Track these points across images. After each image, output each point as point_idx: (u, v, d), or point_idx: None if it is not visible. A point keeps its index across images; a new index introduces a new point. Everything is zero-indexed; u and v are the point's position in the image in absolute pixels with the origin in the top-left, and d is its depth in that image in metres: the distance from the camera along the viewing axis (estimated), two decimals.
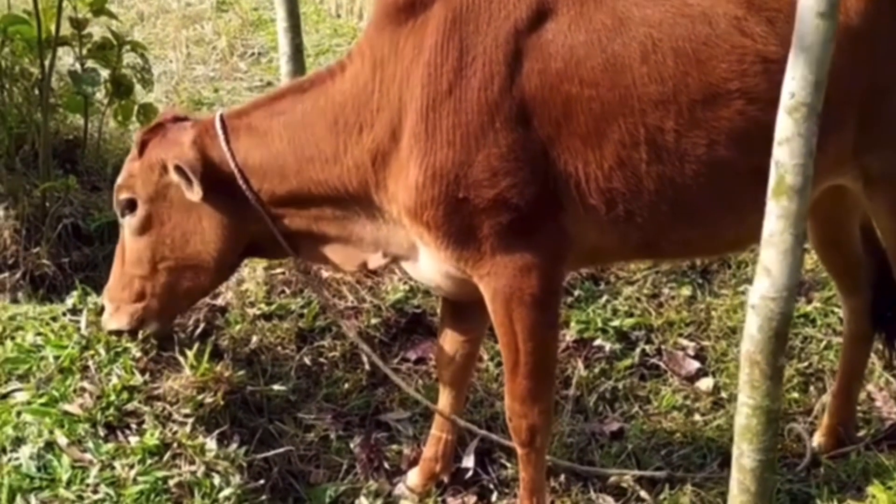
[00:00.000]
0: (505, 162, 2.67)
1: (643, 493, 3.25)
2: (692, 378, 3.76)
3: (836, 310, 3.93)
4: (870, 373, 3.66)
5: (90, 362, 2.97)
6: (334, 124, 2.81)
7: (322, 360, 3.62)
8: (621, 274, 4.05)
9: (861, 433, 3.46)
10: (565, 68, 2.68)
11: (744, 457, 1.89)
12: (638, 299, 3.96)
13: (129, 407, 2.89)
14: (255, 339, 3.57)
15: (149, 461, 2.74)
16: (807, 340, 3.85)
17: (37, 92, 4.40)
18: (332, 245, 2.97)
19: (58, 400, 2.85)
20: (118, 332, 3.06)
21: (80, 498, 2.59)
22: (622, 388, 3.67)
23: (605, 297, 3.95)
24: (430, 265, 2.89)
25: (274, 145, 2.87)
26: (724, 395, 3.66)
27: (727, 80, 2.68)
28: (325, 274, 3.78)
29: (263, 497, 2.90)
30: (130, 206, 2.95)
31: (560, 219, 2.75)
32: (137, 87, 4.57)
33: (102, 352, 3.02)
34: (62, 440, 2.72)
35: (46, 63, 4.19)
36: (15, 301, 3.78)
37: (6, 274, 4.10)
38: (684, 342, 3.86)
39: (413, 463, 3.35)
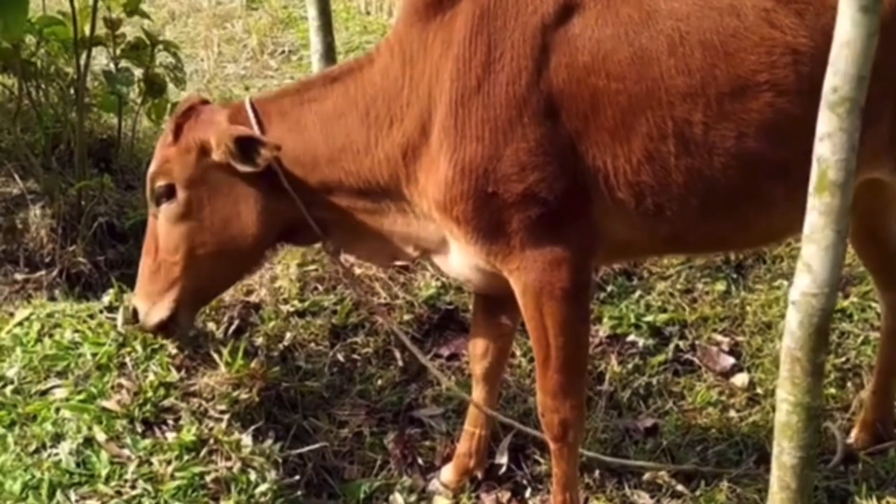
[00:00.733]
0: (533, 156, 2.67)
1: (679, 489, 3.23)
2: (727, 374, 3.73)
3: (873, 305, 3.89)
4: None
5: (127, 359, 3.00)
6: (366, 116, 2.82)
7: (355, 356, 3.63)
8: (654, 269, 4.02)
9: None
10: (592, 62, 2.68)
11: (784, 454, 1.87)
12: (671, 294, 3.94)
13: (166, 403, 2.92)
14: (288, 335, 3.59)
15: (186, 457, 2.76)
16: (844, 336, 3.81)
17: (72, 92, 4.44)
18: (362, 238, 2.97)
19: (96, 396, 2.88)
20: (161, 326, 3.01)
21: (119, 493, 2.62)
22: (656, 383, 3.66)
23: (638, 293, 3.93)
24: (460, 259, 2.90)
25: (307, 132, 2.87)
26: (759, 390, 3.64)
27: (756, 72, 2.67)
28: (357, 270, 3.79)
29: (298, 493, 2.92)
30: (168, 192, 2.90)
31: (589, 213, 2.75)
32: (170, 86, 4.60)
33: (139, 349, 3.05)
34: (101, 436, 2.75)
35: (81, 63, 4.23)
36: (52, 299, 3.82)
37: (43, 272, 4.15)
38: (719, 338, 3.84)
39: (447, 459, 3.35)
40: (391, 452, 3.35)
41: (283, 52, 7.36)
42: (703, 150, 2.69)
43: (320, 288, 3.77)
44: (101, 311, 3.26)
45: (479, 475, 3.28)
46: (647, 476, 3.27)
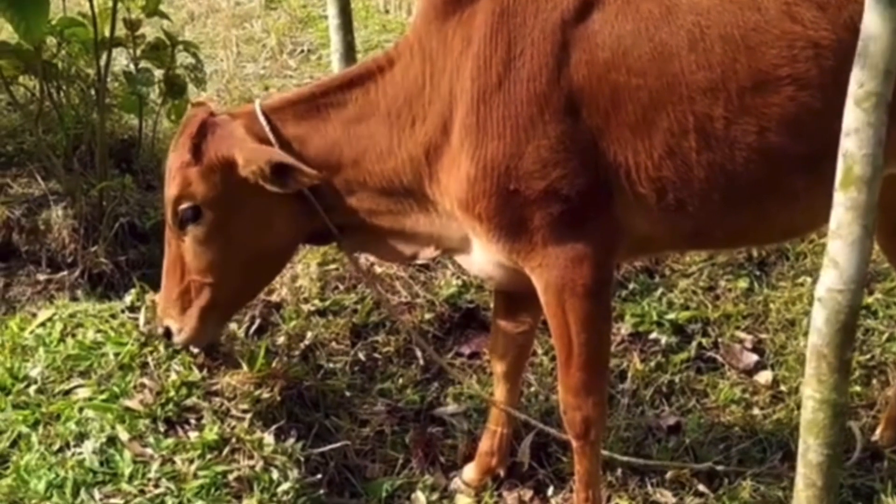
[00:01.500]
0: (555, 153, 2.66)
1: (702, 487, 3.21)
2: (750, 371, 3.71)
3: None
4: None
5: (149, 359, 3.01)
6: (387, 117, 2.81)
7: (376, 355, 3.63)
8: (676, 266, 4.01)
9: None
10: (613, 58, 2.66)
11: (810, 451, 1.85)
12: (694, 292, 3.92)
13: (188, 403, 2.92)
14: (310, 335, 3.60)
15: (208, 456, 2.76)
16: (868, 332, 3.78)
17: (93, 93, 4.47)
18: (384, 239, 2.97)
19: (119, 396, 2.88)
20: (199, 342, 3.02)
21: (142, 492, 2.63)
22: (678, 381, 3.64)
23: (660, 290, 3.91)
24: (483, 257, 2.89)
25: (328, 137, 2.84)
26: (783, 388, 3.61)
27: (777, 66, 2.65)
28: (378, 269, 3.79)
29: (321, 491, 2.92)
30: (194, 215, 2.84)
31: (610, 209, 2.74)
32: (190, 87, 4.62)
33: (161, 348, 3.06)
34: (123, 435, 2.76)
35: (102, 64, 4.25)
36: (74, 299, 3.85)
37: (65, 272, 4.18)
38: (742, 335, 3.81)
39: (468, 457, 3.34)
40: (413, 451, 3.34)
41: (302, 51, 7.38)
42: (725, 144, 2.68)
43: (341, 287, 3.77)
44: (123, 311, 3.27)
45: (502, 473, 3.27)
46: (669, 474, 3.26)
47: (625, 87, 2.66)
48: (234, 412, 2.95)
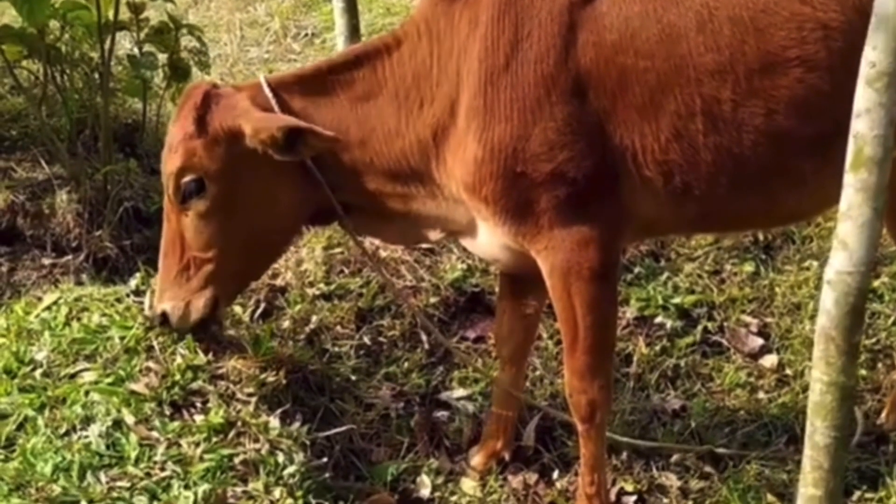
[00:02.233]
0: (562, 135, 2.65)
1: (707, 470, 3.22)
2: (756, 355, 3.71)
3: None
4: None
5: (154, 342, 3.00)
6: (395, 97, 2.79)
7: (382, 339, 3.63)
8: (682, 250, 4.00)
9: None
10: (620, 40, 2.65)
11: (817, 433, 1.85)
12: (699, 276, 3.91)
13: (194, 386, 2.92)
14: (315, 318, 3.59)
15: (214, 439, 2.77)
16: (875, 316, 3.77)
17: (97, 76, 4.45)
18: (389, 221, 2.96)
19: (124, 379, 2.88)
20: (201, 324, 2.96)
21: (149, 475, 2.63)
22: (684, 365, 3.64)
23: (665, 274, 3.91)
24: (489, 239, 2.89)
25: (335, 113, 2.82)
26: (788, 372, 3.61)
27: (786, 48, 2.64)
28: (383, 253, 3.79)
29: (326, 475, 2.91)
30: (198, 188, 2.79)
31: (617, 192, 2.73)
32: (194, 70, 4.60)
33: (166, 332, 3.05)
34: (129, 419, 2.76)
35: (106, 48, 4.24)
36: (79, 283, 3.85)
37: (70, 256, 4.17)
38: (747, 319, 3.81)
39: (474, 441, 3.35)
40: (418, 435, 3.35)
41: (306, 34, 7.35)
42: (732, 127, 2.67)
43: (346, 271, 3.76)
44: (128, 295, 3.26)
45: (507, 457, 3.28)
46: (674, 457, 3.26)
47: (632, 69, 2.65)
48: (239, 396, 2.95)
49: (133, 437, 2.71)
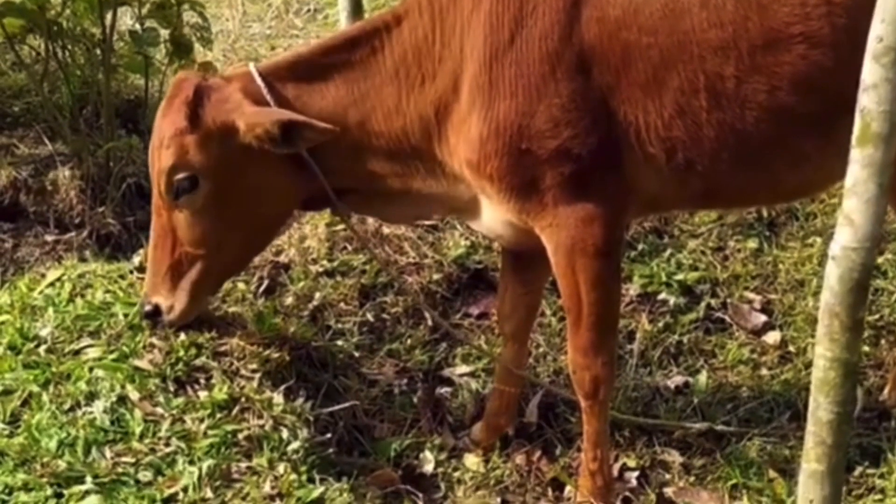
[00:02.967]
0: (566, 112, 2.64)
1: (709, 447, 3.23)
2: (759, 332, 3.70)
3: None
4: None
5: (158, 329, 3.00)
6: (395, 75, 2.77)
7: (385, 315, 3.64)
8: (685, 227, 3.99)
9: None
10: (623, 16, 2.64)
11: (820, 409, 1.86)
12: (703, 252, 3.91)
13: (198, 363, 2.93)
14: (318, 295, 3.59)
15: (218, 415, 2.78)
16: (878, 293, 3.77)
17: (98, 53, 4.43)
18: (388, 201, 2.95)
19: (128, 356, 2.89)
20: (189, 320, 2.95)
21: (153, 451, 2.64)
22: (687, 342, 3.64)
23: (669, 251, 3.90)
24: (492, 216, 2.88)
25: (331, 97, 2.78)
26: (791, 348, 3.62)
27: (789, 24, 2.63)
28: (385, 230, 3.78)
29: (330, 450, 2.93)
30: (191, 184, 2.75)
31: (621, 168, 2.73)
32: (196, 47, 4.58)
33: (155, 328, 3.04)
34: (134, 395, 2.77)
35: (107, 24, 4.22)
36: (82, 260, 3.84)
37: (73, 233, 4.18)
38: (750, 295, 3.81)
39: (477, 417, 3.36)
40: (421, 411, 3.36)
41: (308, 10, 7.30)
42: (735, 103, 2.67)
43: (349, 248, 3.76)
44: (131, 272, 3.27)
45: (510, 433, 3.29)
46: (677, 433, 3.27)
47: (636, 45, 2.64)
48: (243, 372, 2.96)
49: (137, 413, 2.72)
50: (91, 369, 2.84)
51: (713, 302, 3.77)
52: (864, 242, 1.73)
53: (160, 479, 2.58)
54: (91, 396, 2.75)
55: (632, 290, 3.75)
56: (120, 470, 2.57)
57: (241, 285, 3.45)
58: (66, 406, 2.73)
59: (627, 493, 3.06)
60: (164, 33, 4.48)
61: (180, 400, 2.80)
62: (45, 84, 4.36)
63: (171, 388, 2.84)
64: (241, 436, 2.74)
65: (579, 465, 3.07)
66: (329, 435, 3.00)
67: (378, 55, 2.78)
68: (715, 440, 3.26)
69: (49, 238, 4.16)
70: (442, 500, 3.08)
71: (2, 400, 2.74)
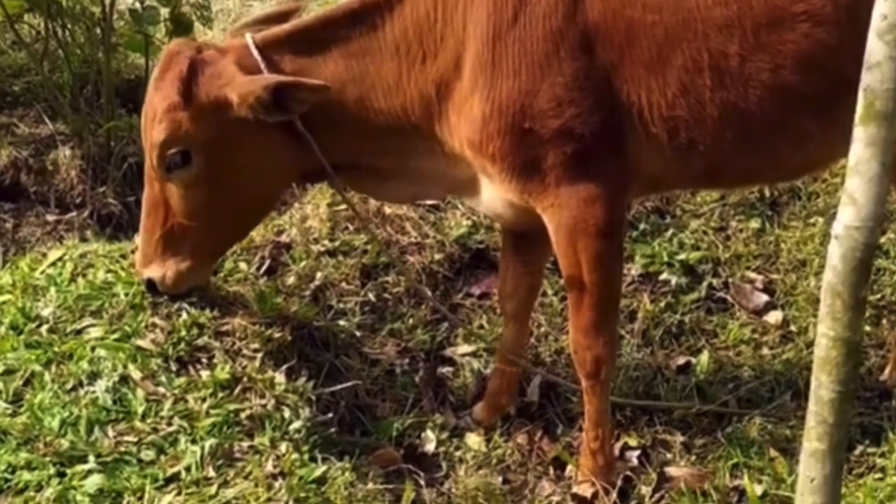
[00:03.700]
0: (569, 91, 2.63)
1: (710, 426, 3.23)
2: (760, 311, 3.70)
3: None
4: None
5: (161, 299, 3.01)
6: (395, 52, 2.74)
7: (386, 295, 3.63)
8: (688, 207, 3.98)
9: None
10: None
11: (822, 388, 1.85)
12: (705, 232, 3.90)
13: (200, 342, 2.93)
14: (319, 275, 3.59)
15: (220, 395, 2.79)
16: (880, 272, 3.76)
17: (98, 31, 4.41)
18: (386, 180, 2.94)
19: (130, 335, 2.89)
20: (188, 291, 2.96)
21: (155, 430, 2.65)
22: (688, 321, 3.64)
23: (671, 231, 3.89)
24: (492, 196, 2.87)
25: (330, 72, 2.75)
26: (793, 328, 3.61)
27: (793, 2, 2.64)
28: (387, 210, 3.78)
29: (332, 430, 2.94)
30: (183, 159, 2.74)
31: (623, 148, 2.72)
32: (196, 25, 4.55)
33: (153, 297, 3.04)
34: (136, 374, 2.78)
35: (107, 2, 4.20)
36: (83, 239, 3.85)
37: (74, 213, 4.17)
38: (752, 275, 3.80)
39: (478, 397, 3.36)
40: (423, 390, 3.36)
41: None
42: (739, 82, 2.66)
43: (351, 227, 3.75)
44: (132, 252, 3.25)
45: (512, 412, 3.29)
46: (677, 413, 3.27)
47: (639, 23, 2.62)
48: (245, 352, 2.96)
49: (140, 393, 2.73)
50: (93, 349, 2.84)
51: (715, 282, 3.77)
52: (867, 221, 1.73)
53: (162, 458, 2.59)
54: (93, 376, 2.76)
55: (633, 269, 3.74)
56: (122, 449, 2.59)
57: (242, 265, 3.45)
58: (69, 385, 2.74)
59: (629, 472, 3.07)
60: (165, 12, 4.45)
61: (182, 379, 2.81)
62: (45, 63, 4.34)
63: (174, 368, 2.85)
64: (243, 415, 2.75)
65: (581, 444, 3.08)
66: (331, 414, 3.01)
67: (378, 31, 2.74)
68: (716, 419, 3.27)
69: (50, 218, 4.15)
70: (443, 479, 3.09)
71: (4, 379, 2.74)
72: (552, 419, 3.32)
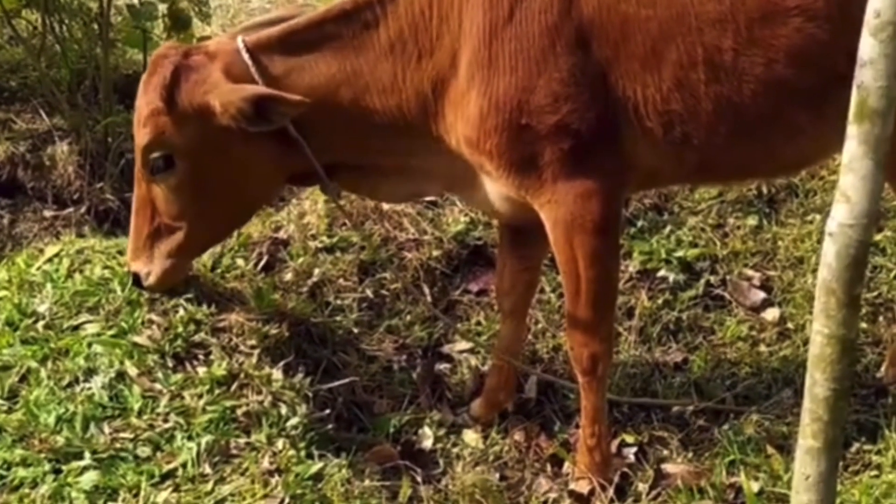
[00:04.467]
0: (566, 86, 2.63)
1: (707, 423, 3.23)
2: (757, 308, 3.70)
3: None
4: None
5: (156, 295, 3.01)
6: (389, 51, 2.73)
7: (384, 291, 3.63)
8: (685, 204, 3.98)
9: None
10: None
11: (817, 386, 1.85)
12: (702, 229, 3.90)
13: (196, 339, 2.94)
14: (317, 271, 3.59)
15: (217, 391, 2.79)
16: (877, 270, 3.76)
17: (96, 27, 4.41)
18: (380, 178, 2.93)
19: (127, 332, 2.90)
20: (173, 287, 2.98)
21: (152, 427, 2.65)
22: (686, 318, 3.64)
23: (668, 228, 3.89)
24: (489, 192, 2.87)
25: (322, 72, 2.73)
26: (790, 325, 3.61)
27: None
28: (385, 207, 3.78)
29: (328, 426, 2.94)
30: (167, 163, 2.74)
31: (619, 143, 2.72)
32: (195, 21, 4.55)
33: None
34: (132, 371, 2.78)
35: None
36: (80, 235, 3.84)
37: (71, 209, 4.17)
38: (750, 272, 3.80)
39: (476, 393, 3.36)
40: (420, 387, 3.36)
41: None
42: (733, 77, 2.67)
43: (348, 224, 3.75)
44: None
45: (509, 409, 3.30)
46: (675, 409, 3.28)
47: (634, 18, 2.63)
48: (242, 348, 2.97)
49: (136, 389, 2.73)
50: (89, 345, 2.84)
51: (712, 279, 3.77)
52: (861, 219, 1.73)
53: (158, 454, 2.59)
54: (89, 372, 2.76)
55: (631, 266, 3.74)
56: (118, 446, 2.59)
57: (240, 261, 3.45)
58: (65, 382, 2.74)
59: (625, 469, 3.07)
60: (163, 7, 4.44)
61: (179, 376, 2.81)
62: (42, 59, 4.34)
63: (170, 364, 2.85)
64: (239, 412, 2.75)
65: (577, 440, 3.08)
66: (328, 411, 3.01)
67: (372, 30, 2.73)
68: (713, 416, 3.27)
69: (47, 214, 4.15)
70: (440, 475, 3.09)
71: (0, 376, 2.74)
72: (550, 416, 3.32)
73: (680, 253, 3.80)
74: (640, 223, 3.89)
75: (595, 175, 2.70)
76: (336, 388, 3.14)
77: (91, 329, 2.90)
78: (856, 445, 3.10)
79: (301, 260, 3.62)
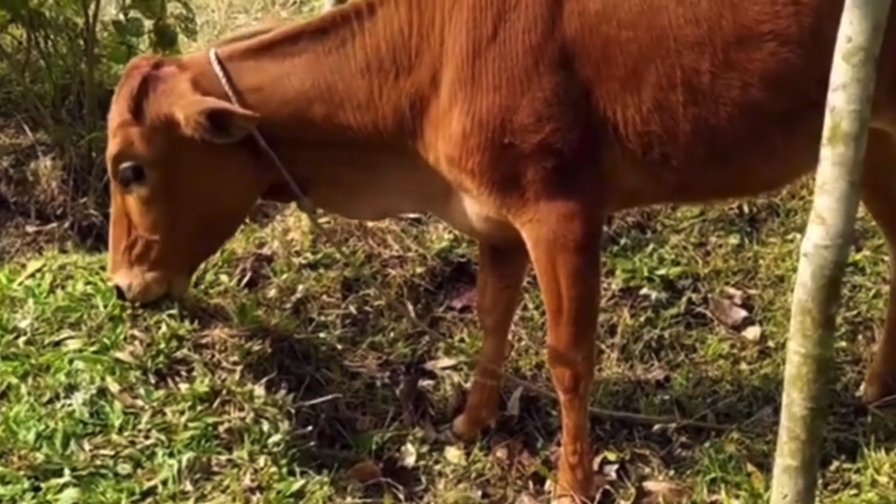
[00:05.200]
0: (549, 106, 2.65)
1: (688, 441, 3.25)
2: (738, 327, 3.72)
3: (885, 258, 3.85)
4: None
5: (139, 311, 3.00)
6: (366, 68, 2.73)
7: (367, 308, 3.64)
8: (668, 222, 4.01)
9: None
10: (604, 9, 2.67)
11: (794, 405, 1.88)
12: (684, 248, 3.92)
13: (179, 355, 2.93)
14: (301, 288, 3.59)
15: (199, 407, 2.78)
16: (856, 289, 3.79)
17: (81, 42, 4.41)
18: (356, 193, 2.92)
19: (109, 348, 2.89)
20: (157, 300, 2.96)
21: (133, 443, 2.64)
22: (668, 336, 3.66)
23: (651, 246, 3.91)
24: (469, 210, 2.88)
25: (295, 87, 2.73)
26: (770, 343, 3.64)
27: (760, 21, 2.68)
28: (369, 224, 3.78)
29: (311, 443, 2.94)
30: (136, 174, 2.75)
31: (600, 163, 2.74)
32: (181, 38, 4.56)
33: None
34: (114, 387, 2.77)
35: (90, 13, 4.20)
36: (63, 251, 3.84)
37: (54, 224, 4.16)
38: (731, 291, 3.82)
39: (458, 410, 3.37)
40: (403, 404, 3.37)
41: (294, 2, 7.28)
42: (710, 99, 2.71)
43: (329, 240, 3.76)
44: None
45: (492, 426, 3.30)
46: (656, 427, 3.29)
47: (615, 39, 2.66)
48: (224, 364, 2.96)
49: (117, 406, 2.72)
50: (71, 361, 2.83)
51: (694, 297, 3.79)
52: (836, 240, 1.75)
53: (139, 471, 2.58)
54: (70, 388, 2.75)
55: (614, 284, 3.76)
56: (99, 462, 2.58)
57: (223, 277, 3.45)
58: (45, 398, 2.73)
59: (607, 487, 3.07)
60: (148, 23, 4.45)
61: (161, 392, 2.80)
62: (27, 74, 4.34)
63: (152, 381, 2.84)
64: (221, 428, 2.75)
65: (559, 458, 3.08)
66: (310, 428, 3.01)
67: (348, 45, 2.73)
68: (694, 434, 3.28)
69: (30, 229, 4.14)
70: (423, 493, 3.09)
71: None
72: (532, 433, 3.32)
73: (662, 271, 3.82)
74: (622, 241, 3.91)
75: (576, 194, 2.72)
76: (319, 404, 3.14)
77: (73, 345, 2.89)
78: (835, 464, 3.12)
79: (285, 276, 3.62)
